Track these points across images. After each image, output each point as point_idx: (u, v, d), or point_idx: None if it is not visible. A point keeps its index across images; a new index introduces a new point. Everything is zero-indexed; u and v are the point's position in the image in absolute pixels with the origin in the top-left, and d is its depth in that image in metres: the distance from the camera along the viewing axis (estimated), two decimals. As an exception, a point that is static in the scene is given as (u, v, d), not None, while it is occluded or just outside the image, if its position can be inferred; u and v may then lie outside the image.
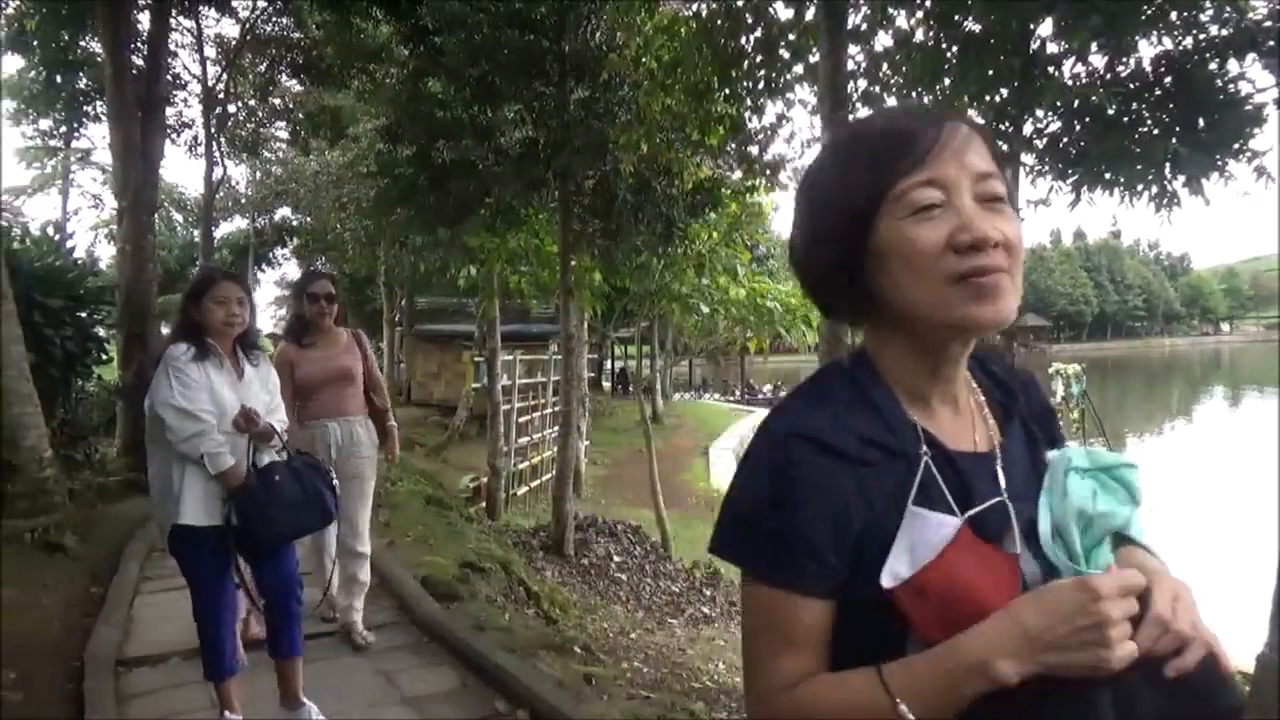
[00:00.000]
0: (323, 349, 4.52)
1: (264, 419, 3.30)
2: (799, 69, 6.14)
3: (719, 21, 6.11)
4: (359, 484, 4.62)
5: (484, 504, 11.63)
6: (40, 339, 7.48)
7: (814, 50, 5.75)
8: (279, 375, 4.14)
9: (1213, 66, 4.05)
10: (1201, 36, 4.06)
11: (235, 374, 3.32)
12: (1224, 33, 4.03)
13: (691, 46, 6.43)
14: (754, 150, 7.73)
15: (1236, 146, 4.03)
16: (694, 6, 6.85)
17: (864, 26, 5.54)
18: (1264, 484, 14.03)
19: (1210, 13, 4.00)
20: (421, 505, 8.50)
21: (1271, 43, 3.82)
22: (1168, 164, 4.10)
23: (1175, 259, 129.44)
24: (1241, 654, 6.58)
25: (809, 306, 9.78)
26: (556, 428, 11.16)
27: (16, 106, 17.12)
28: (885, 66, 5.58)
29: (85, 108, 16.87)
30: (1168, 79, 4.14)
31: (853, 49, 5.43)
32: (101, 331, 9.36)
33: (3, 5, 13.38)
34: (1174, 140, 4.00)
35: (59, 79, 15.97)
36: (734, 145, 7.71)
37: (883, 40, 5.57)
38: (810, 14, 5.64)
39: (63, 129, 18.29)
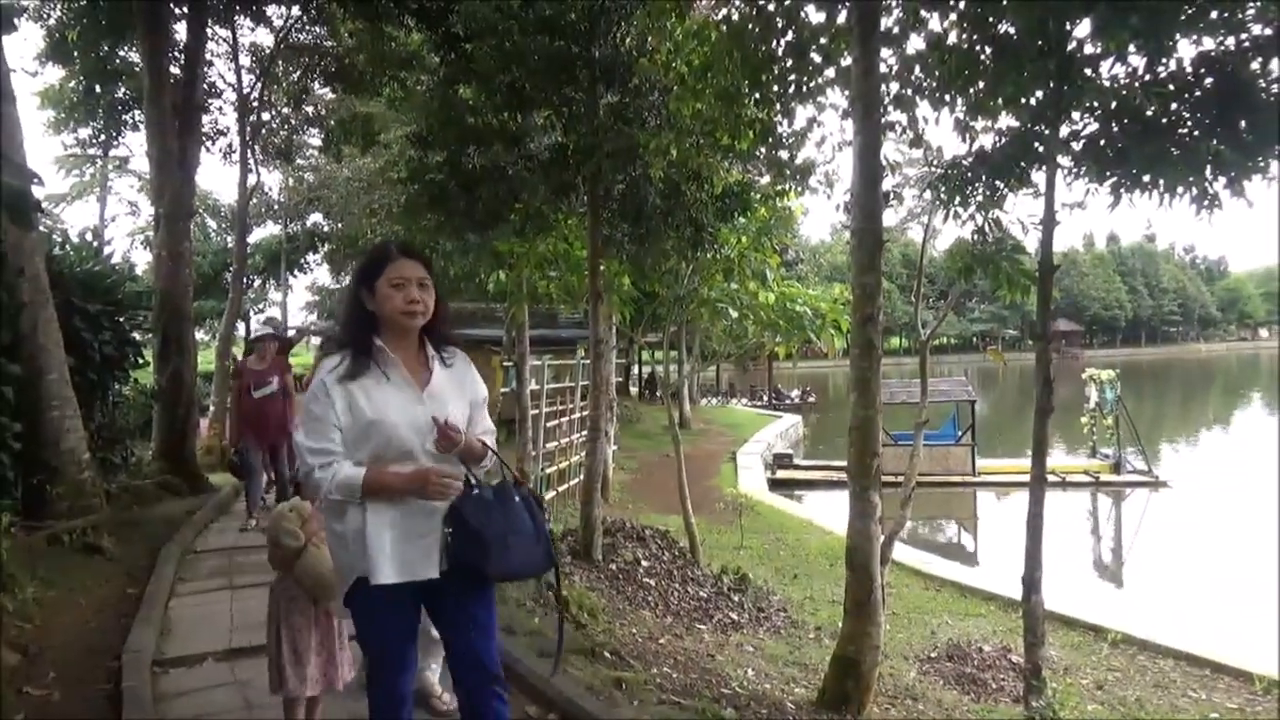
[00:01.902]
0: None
1: (466, 431, 2.60)
2: (830, 73, 6.10)
3: (750, 26, 6.09)
4: None
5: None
6: (79, 343, 7.61)
7: (845, 54, 5.72)
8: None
9: (1255, 66, 3.97)
10: (1244, 36, 3.99)
11: (418, 380, 2.60)
12: (1266, 32, 3.95)
13: (722, 51, 6.41)
14: (784, 155, 7.69)
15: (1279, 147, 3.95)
16: (724, 11, 6.84)
17: (896, 29, 5.49)
18: (1306, 492, 13.74)
19: (1253, 12, 3.93)
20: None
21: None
22: (1209, 165, 4.03)
23: (1212, 262, 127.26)
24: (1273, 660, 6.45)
25: (839, 311, 9.72)
26: (584, 432, 11.17)
27: (56, 115, 17.44)
28: (918, 70, 5.53)
29: (124, 116, 17.17)
30: (1209, 79, 4.07)
31: (885, 52, 5.39)
32: (138, 336, 9.50)
33: (44, 16, 13.66)
34: (1215, 141, 3.93)
35: (98, 88, 16.28)
36: (764, 150, 7.68)
37: (915, 43, 5.52)
38: (842, 18, 5.61)
39: (101, 137, 18.59)
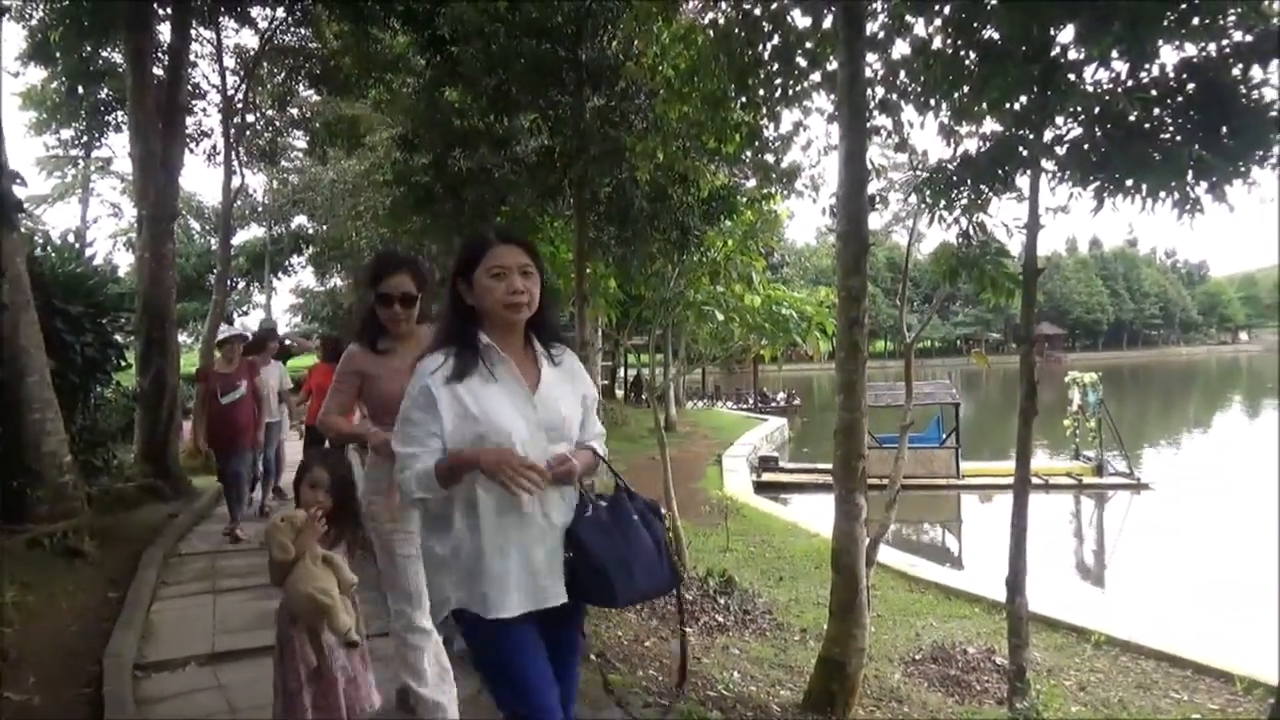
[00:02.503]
0: (404, 357, 3.37)
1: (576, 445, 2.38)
2: (816, 77, 6.12)
3: (736, 30, 6.11)
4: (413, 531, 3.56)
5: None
6: (61, 345, 7.55)
7: (831, 58, 5.74)
8: (341, 385, 3.55)
9: (1236, 72, 4.02)
10: (1225, 42, 4.03)
11: (528, 379, 2.32)
12: (1247, 38, 4.00)
13: (708, 55, 6.42)
14: (770, 158, 7.72)
15: (1260, 153, 3.99)
16: (711, 15, 6.86)
17: (882, 34, 5.52)
18: (1285, 495, 13.88)
19: (1234, 18, 3.97)
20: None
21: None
22: (1191, 170, 4.07)
23: (1193, 266, 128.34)
24: (1268, 667, 6.51)
25: (825, 314, 9.75)
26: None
27: (38, 117, 17.31)
28: (903, 74, 5.56)
29: (106, 117, 17.07)
30: (1191, 85, 4.11)
31: (871, 57, 5.42)
32: (120, 338, 9.43)
33: (26, 16, 13.55)
34: (1197, 146, 3.97)
35: (81, 89, 16.18)
36: (750, 153, 7.71)
37: (901, 48, 5.55)
38: (828, 22, 5.63)
39: (84, 139, 18.47)
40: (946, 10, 4.99)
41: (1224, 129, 4.04)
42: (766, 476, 19.84)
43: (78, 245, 9.62)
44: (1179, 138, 4.16)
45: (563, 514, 2.29)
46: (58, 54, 14.39)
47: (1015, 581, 4.79)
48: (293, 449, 9.37)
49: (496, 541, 2.21)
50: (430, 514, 2.33)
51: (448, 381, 2.23)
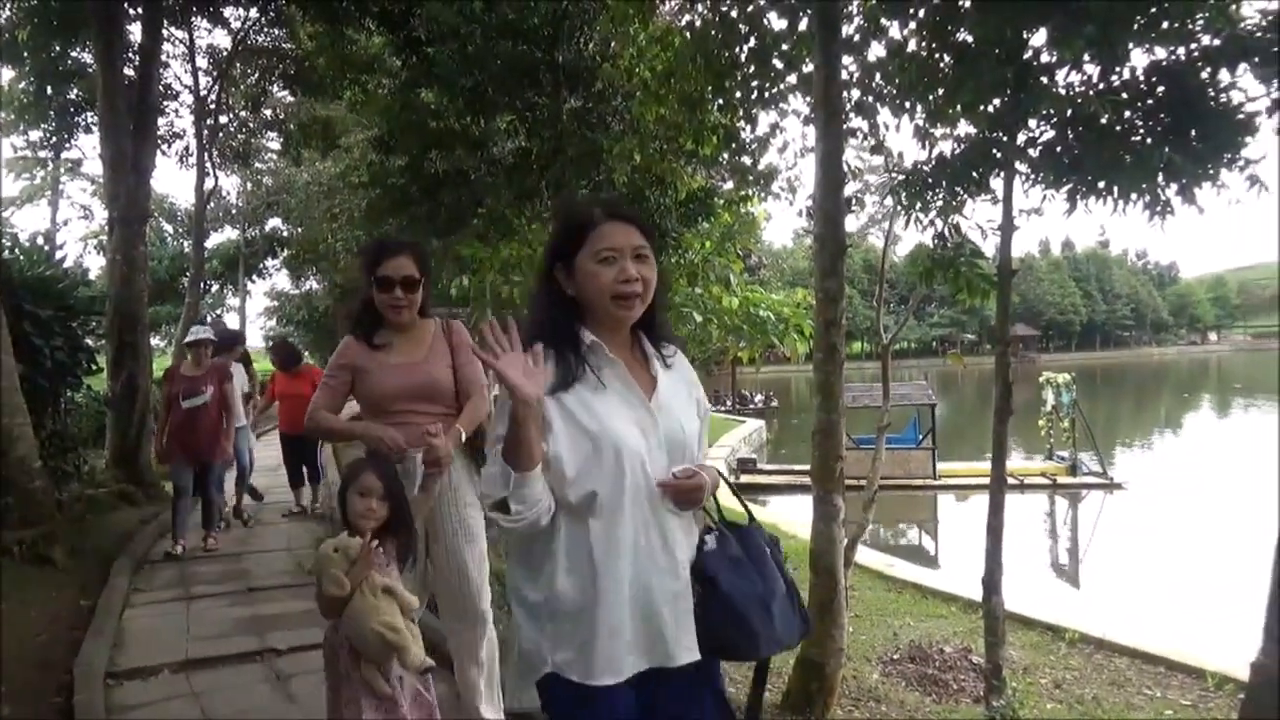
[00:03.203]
0: (402, 351, 3.24)
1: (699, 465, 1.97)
2: (793, 79, 6.14)
3: (712, 32, 6.12)
4: (471, 546, 3.26)
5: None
6: (30, 349, 7.44)
7: (807, 60, 5.76)
8: (331, 380, 3.24)
9: (1205, 75, 4.07)
10: (1194, 46, 4.08)
11: (641, 386, 1.91)
12: (1216, 42, 4.05)
13: (685, 56, 6.43)
14: (747, 160, 7.74)
15: (1229, 155, 4.04)
16: (687, 17, 6.87)
17: (857, 37, 5.55)
18: (1257, 492, 14.09)
19: (1202, 22, 4.02)
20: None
21: (1263, 52, 3.84)
22: (1161, 172, 4.11)
23: (1163, 268, 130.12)
24: (1238, 663, 6.59)
25: (802, 316, 9.79)
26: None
27: (6, 117, 17.05)
28: (879, 76, 5.59)
29: (76, 118, 16.81)
30: (1161, 88, 4.16)
31: (846, 59, 5.44)
32: (91, 342, 9.30)
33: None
34: (1167, 149, 4.01)
35: (50, 89, 15.93)
36: (727, 155, 7.73)
37: (876, 50, 5.59)
38: (804, 24, 5.66)
39: (53, 140, 18.19)
40: (921, 13, 5.03)
41: (1193, 132, 4.08)
42: (745, 478, 19.88)
43: (47, 248, 9.49)
44: (1149, 140, 4.20)
45: (686, 546, 1.88)
46: (25, 53, 14.16)
47: (991, 580, 4.82)
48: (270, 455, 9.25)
49: (607, 582, 1.76)
50: (521, 549, 1.88)
51: (554, 391, 1.80)
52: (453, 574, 3.24)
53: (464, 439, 3.17)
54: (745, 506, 2.10)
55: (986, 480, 5.12)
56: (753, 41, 6.00)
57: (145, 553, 7.18)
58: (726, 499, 2.11)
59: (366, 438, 3.15)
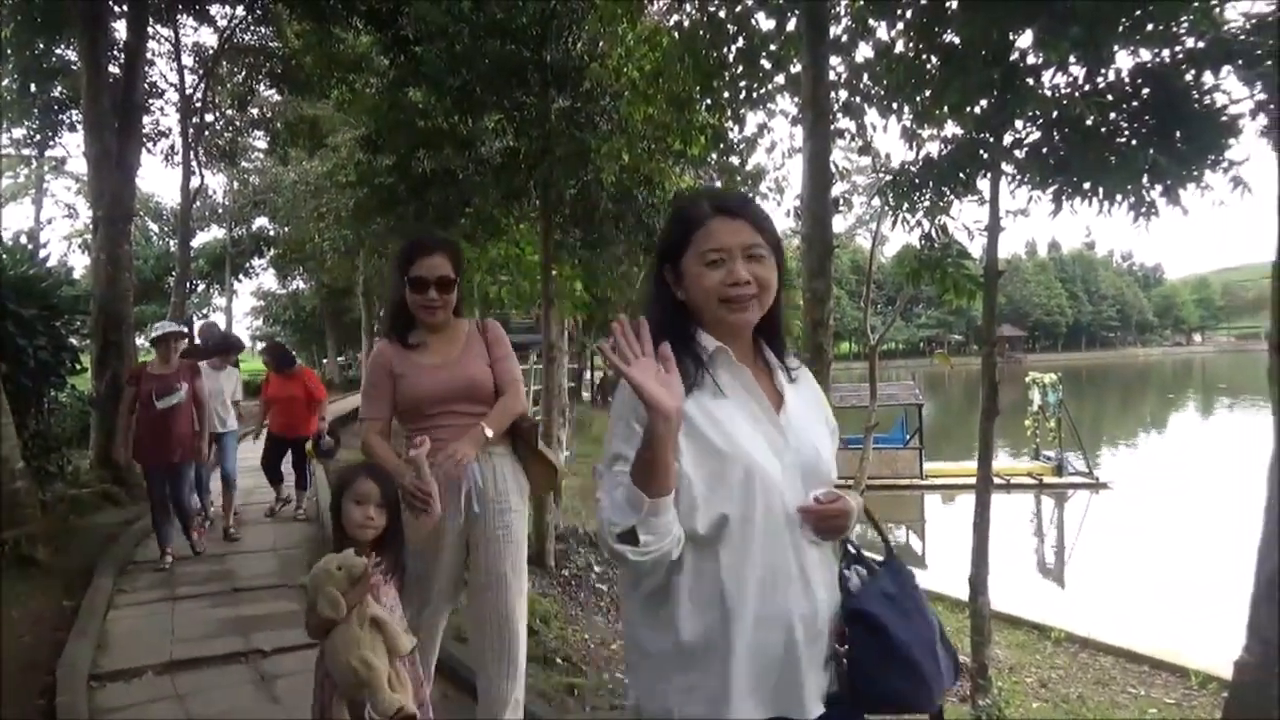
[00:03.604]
0: (437, 351, 3.09)
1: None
2: (780, 79, 6.17)
3: (701, 32, 6.13)
4: (513, 549, 3.09)
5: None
6: (13, 348, 7.38)
7: (795, 61, 5.78)
8: (375, 390, 3.05)
9: (1189, 78, 4.10)
10: (1178, 48, 4.11)
11: (769, 398, 1.69)
12: (1199, 45, 4.08)
13: (673, 57, 6.44)
14: (735, 160, 7.76)
15: (1213, 157, 4.08)
16: (676, 17, 6.88)
17: (845, 37, 5.57)
18: (1241, 492, 14.19)
19: (1186, 25, 4.06)
20: (401, 516, 8.43)
21: (1246, 55, 3.87)
22: (1146, 174, 4.15)
23: (1148, 270, 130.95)
24: (1222, 662, 6.63)
25: (790, 316, 9.80)
26: (537, 438, 11.11)
27: (-11, 115, 16.91)
28: (866, 77, 5.61)
29: (60, 116, 16.67)
30: (1145, 90, 4.19)
31: (834, 60, 5.46)
32: (75, 341, 9.23)
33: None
34: (1152, 150, 4.05)
35: (34, 87, 15.79)
36: (715, 155, 7.74)
37: (864, 51, 5.61)
38: (792, 25, 5.67)
39: (37, 138, 18.04)
40: (908, 14, 5.05)
41: (1178, 133, 4.12)
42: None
43: (31, 247, 9.43)
44: (1134, 141, 4.24)
45: (826, 583, 1.64)
46: (9, 51, 14.05)
47: (978, 580, 4.84)
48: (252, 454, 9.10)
49: (740, 626, 1.54)
50: (640, 588, 1.63)
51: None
52: (491, 583, 3.04)
53: (490, 435, 2.97)
54: (884, 536, 1.88)
55: (973, 480, 5.14)
56: (741, 42, 6.02)
57: (129, 553, 7.12)
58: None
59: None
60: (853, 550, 1.74)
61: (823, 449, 1.71)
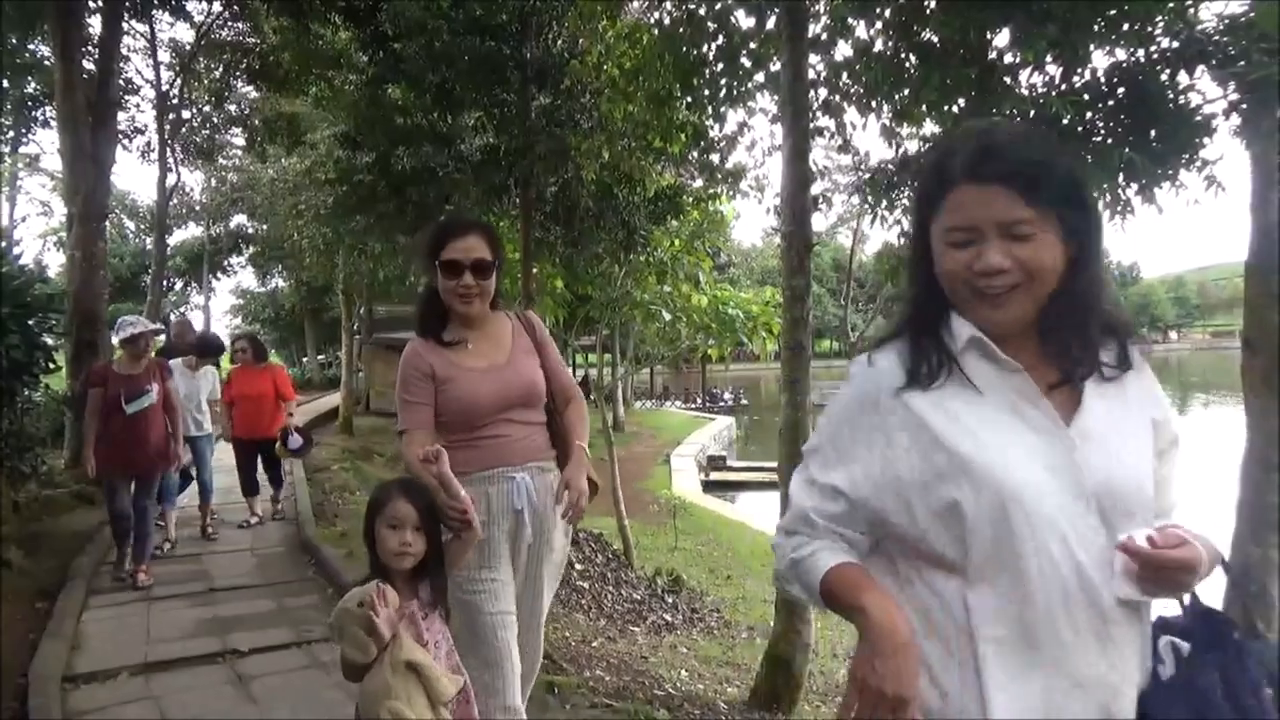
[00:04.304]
0: (482, 352, 2.71)
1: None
2: (760, 77, 6.18)
3: (681, 29, 6.13)
4: (554, 570, 2.84)
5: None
6: (-15, 347, 7.27)
7: (775, 59, 5.79)
8: (414, 394, 2.62)
9: (1164, 77, 4.14)
10: (1153, 48, 4.15)
11: (1057, 402, 1.28)
12: (1174, 44, 4.12)
13: (653, 54, 6.44)
14: (715, 158, 7.77)
15: (1187, 156, 4.12)
16: (655, 14, 6.87)
17: (824, 36, 5.59)
18: (1214, 489, 14.35)
19: (1161, 25, 4.09)
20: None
21: (1220, 55, 3.91)
22: (1121, 172, 4.18)
23: (1125, 269, 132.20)
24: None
25: (771, 314, 9.83)
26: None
27: (-40, 111, 16.68)
28: (845, 75, 5.63)
29: (34, 112, 16.48)
30: (1121, 89, 4.23)
31: (813, 58, 5.48)
32: (50, 340, 9.11)
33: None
34: (1127, 149, 4.08)
35: (6, 83, 15.59)
36: (696, 153, 7.74)
37: (843, 50, 5.63)
38: (771, 23, 5.68)
39: (9, 134, 17.83)
40: (887, 13, 5.07)
41: (1153, 132, 4.15)
42: (714, 475, 19.97)
43: (4, 244, 9.31)
44: (1110, 140, 4.27)
45: (1135, 658, 1.23)
46: (-19, 46, 13.87)
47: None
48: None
49: (1005, 709, 1.17)
50: None
51: (900, 391, 1.29)
52: (528, 590, 2.74)
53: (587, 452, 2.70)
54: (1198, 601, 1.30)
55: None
56: (720, 40, 6.03)
57: (104, 554, 7.04)
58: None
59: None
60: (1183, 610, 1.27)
61: (1138, 469, 1.26)
